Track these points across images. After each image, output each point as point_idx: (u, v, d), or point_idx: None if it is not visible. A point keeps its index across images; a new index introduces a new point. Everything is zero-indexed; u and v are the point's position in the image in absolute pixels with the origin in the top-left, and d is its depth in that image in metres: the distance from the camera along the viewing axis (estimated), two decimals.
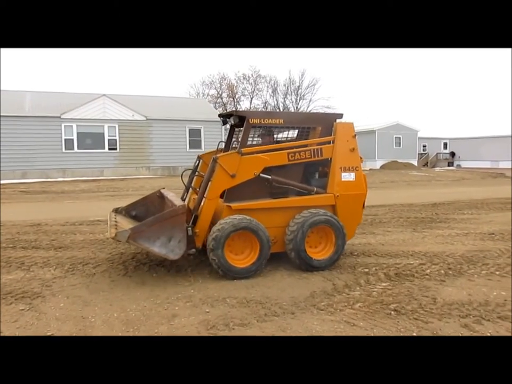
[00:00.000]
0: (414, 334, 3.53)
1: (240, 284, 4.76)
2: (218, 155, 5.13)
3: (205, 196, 5.07)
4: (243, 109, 43.40)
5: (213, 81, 47.52)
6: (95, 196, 14.61)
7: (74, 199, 13.65)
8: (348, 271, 5.25)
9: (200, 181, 5.82)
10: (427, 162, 41.03)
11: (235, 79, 47.16)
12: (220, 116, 6.33)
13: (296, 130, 5.84)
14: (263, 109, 49.14)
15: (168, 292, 4.51)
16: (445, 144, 43.51)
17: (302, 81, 49.29)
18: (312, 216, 5.16)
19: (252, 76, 47.02)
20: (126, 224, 5.49)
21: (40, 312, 3.98)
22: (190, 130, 24.71)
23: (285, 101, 49.63)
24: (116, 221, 5.60)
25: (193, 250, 4.98)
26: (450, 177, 25.19)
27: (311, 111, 45.81)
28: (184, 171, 6.21)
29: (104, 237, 7.20)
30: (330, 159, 5.51)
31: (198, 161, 6.19)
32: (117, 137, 23.13)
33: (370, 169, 30.18)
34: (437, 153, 42.81)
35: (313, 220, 5.14)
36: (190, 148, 24.80)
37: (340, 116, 5.77)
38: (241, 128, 5.73)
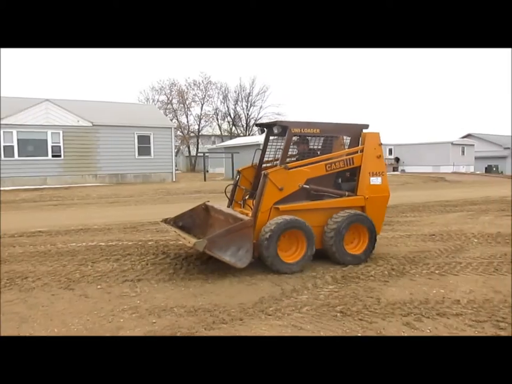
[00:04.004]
0: (359, 335, 3.62)
1: (188, 293, 4.69)
2: (268, 171, 5.58)
3: (258, 208, 5.48)
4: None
5: (162, 87, 46.89)
6: (37, 206, 13.94)
7: (14, 209, 12.93)
8: (296, 275, 5.31)
9: (242, 193, 6.55)
10: None
11: (185, 85, 46.76)
12: (257, 125, 6.96)
13: (322, 139, 6.39)
14: (214, 116, 49.17)
15: (113, 304, 4.36)
16: (390, 150, 45.20)
17: (253, 88, 49.79)
18: (350, 216, 5.73)
19: (203, 82, 46.82)
20: (181, 233, 5.86)
21: None
22: (138, 136, 24.15)
23: (235, 108, 49.85)
24: (175, 231, 6.00)
25: (252, 259, 5.32)
26: (395, 181, 26.19)
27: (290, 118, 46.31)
28: (227, 186, 6.84)
29: (45, 249, 6.86)
30: (360, 165, 6.07)
31: (238, 176, 6.72)
32: (61, 144, 22.18)
33: None
34: None
35: (351, 219, 5.72)
36: (139, 154, 24.25)
37: (367, 126, 6.37)
38: (274, 137, 6.57)
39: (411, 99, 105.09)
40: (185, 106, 46.57)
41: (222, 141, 42.68)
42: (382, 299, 4.46)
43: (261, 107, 49.69)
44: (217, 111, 49.25)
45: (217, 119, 49.84)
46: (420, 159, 40.02)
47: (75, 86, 68.08)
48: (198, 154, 43.88)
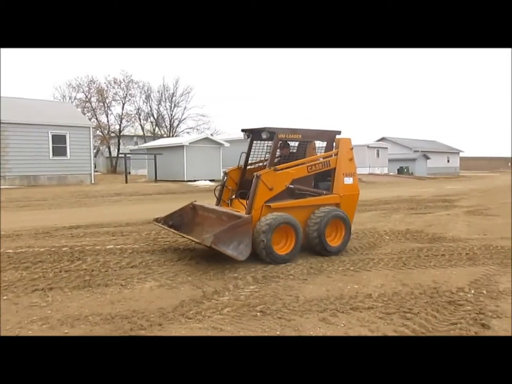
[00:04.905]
0: (278, 333, 3.70)
1: (104, 299, 4.49)
2: (260, 172, 6.11)
3: (252, 206, 5.99)
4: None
5: (80, 84, 44.51)
6: None
7: None
8: (218, 277, 5.31)
9: (229, 193, 7.06)
10: None
11: (105, 83, 44.80)
12: (243, 130, 7.26)
13: (298, 143, 7.03)
14: (137, 115, 47.74)
15: (20, 316, 4.05)
16: None
17: (176, 88, 49.02)
18: (330, 211, 6.41)
19: (124, 80, 45.17)
20: (178, 233, 6.43)
21: None
22: (53, 136, 22.71)
23: (159, 108, 48.77)
24: (170, 230, 6.62)
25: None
26: None
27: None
28: (216, 187, 7.35)
29: None
30: (335, 167, 6.77)
31: (225, 177, 7.17)
32: None
33: None
34: None
35: (331, 215, 6.39)
36: (53, 155, 22.82)
37: (339, 132, 7.07)
38: (258, 141, 7.20)
39: (332, 104, 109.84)
40: (105, 105, 44.68)
41: (145, 142, 41.48)
42: (300, 297, 4.60)
43: (185, 108, 49.12)
44: (139, 111, 47.84)
45: (140, 119, 48.40)
46: None
47: None
48: (119, 155, 42.25)
